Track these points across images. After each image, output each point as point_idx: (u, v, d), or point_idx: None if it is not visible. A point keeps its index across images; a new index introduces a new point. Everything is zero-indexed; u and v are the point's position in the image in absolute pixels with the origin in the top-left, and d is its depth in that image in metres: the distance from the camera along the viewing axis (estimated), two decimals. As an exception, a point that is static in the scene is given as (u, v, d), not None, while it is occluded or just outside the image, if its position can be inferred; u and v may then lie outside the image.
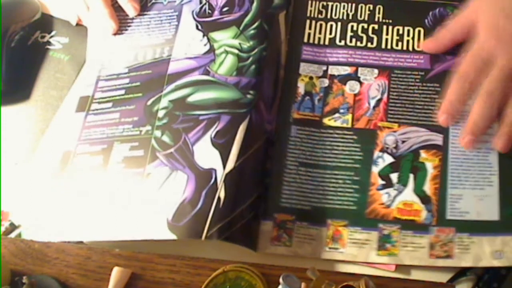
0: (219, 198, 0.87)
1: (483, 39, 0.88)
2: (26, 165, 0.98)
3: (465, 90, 0.89)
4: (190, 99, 0.97)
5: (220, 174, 0.89)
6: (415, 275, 0.87)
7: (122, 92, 1.01)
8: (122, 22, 1.09)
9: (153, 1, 1.11)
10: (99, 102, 1.01)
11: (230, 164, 0.90)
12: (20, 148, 1.00)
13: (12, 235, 0.92)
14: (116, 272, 0.86)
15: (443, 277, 0.86)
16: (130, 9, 1.08)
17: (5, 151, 1.00)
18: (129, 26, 1.09)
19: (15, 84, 1.06)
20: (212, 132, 0.93)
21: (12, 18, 1.09)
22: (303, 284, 0.79)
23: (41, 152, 0.99)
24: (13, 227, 0.93)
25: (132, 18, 1.09)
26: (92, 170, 0.95)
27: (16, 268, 0.88)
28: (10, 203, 0.95)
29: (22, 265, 0.88)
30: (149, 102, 0.99)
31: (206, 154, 0.92)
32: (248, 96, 0.95)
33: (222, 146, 0.92)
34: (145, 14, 1.09)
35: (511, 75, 0.85)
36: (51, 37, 1.10)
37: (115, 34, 1.08)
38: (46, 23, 1.12)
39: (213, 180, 0.89)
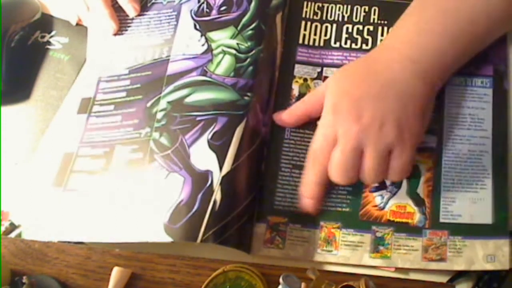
0: (215, 201, 0.87)
1: (324, 116, 0.89)
2: (26, 165, 0.99)
3: (318, 170, 0.89)
4: (188, 100, 0.97)
5: (217, 177, 0.89)
6: (415, 275, 0.87)
7: (124, 94, 1.01)
8: (122, 22, 1.09)
9: (153, 1, 1.10)
10: (100, 104, 1.01)
11: (227, 166, 0.90)
12: (20, 148, 1.00)
13: (12, 235, 0.92)
14: (116, 272, 0.86)
15: (444, 277, 0.86)
16: (131, 10, 1.09)
17: (5, 151, 1.00)
18: (129, 26, 1.09)
19: (15, 84, 1.06)
20: (209, 133, 0.93)
21: (12, 18, 1.09)
22: (303, 284, 0.79)
23: (41, 152, 0.99)
24: (13, 227, 0.93)
25: (132, 18, 1.09)
26: (93, 173, 0.95)
27: (16, 268, 0.88)
28: (10, 203, 0.95)
29: (22, 265, 0.89)
30: (148, 104, 0.99)
31: (202, 156, 0.91)
32: (246, 98, 0.95)
33: (219, 148, 0.92)
34: (145, 14, 1.09)
35: (352, 150, 0.85)
36: (51, 37, 1.10)
37: (115, 34, 1.08)
38: (46, 23, 1.12)
39: (209, 182, 0.89)
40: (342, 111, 0.86)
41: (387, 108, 0.85)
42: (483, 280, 0.86)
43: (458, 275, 0.87)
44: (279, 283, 0.79)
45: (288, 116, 0.96)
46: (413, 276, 0.87)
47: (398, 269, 0.87)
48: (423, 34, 0.90)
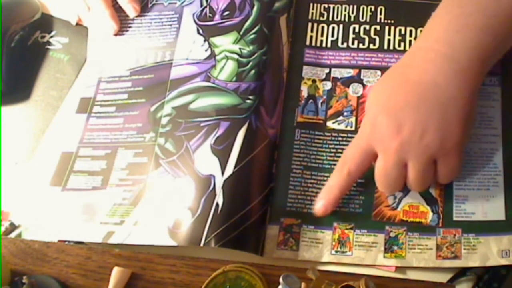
0: (217, 204, 0.87)
1: (363, 127, 0.88)
2: (26, 165, 0.98)
3: (342, 177, 0.88)
4: (192, 106, 0.97)
5: (219, 180, 0.89)
6: (416, 275, 0.86)
7: (125, 96, 1.01)
8: (122, 23, 1.08)
9: (154, 2, 1.10)
10: (101, 105, 1.01)
11: (229, 170, 0.90)
12: (20, 148, 1.00)
13: (12, 235, 0.92)
14: (116, 272, 0.85)
15: (444, 277, 0.85)
16: (130, 10, 1.08)
17: (5, 151, 0.99)
18: (129, 27, 1.08)
19: (15, 84, 1.05)
20: (211, 139, 0.93)
21: (12, 18, 1.09)
22: (303, 284, 0.79)
23: (41, 152, 0.99)
24: (13, 227, 0.92)
25: (133, 19, 1.09)
26: (94, 174, 0.95)
27: (16, 268, 0.87)
28: (10, 203, 0.94)
29: (22, 265, 0.88)
30: (152, 108, 0.99)
31: (205, 161, 0.92)
32: (248, 101, 0.95)
33: (221, 152, 0.92)
34: (146, 15, 1.09)
35: (394, 165, 0.84)
36: (51, 37, 1.10)
37: (116, 34, 1.07)
38: (46, 23, 1.12)
39: (212, 186, 0.89)
40: (380, 126, 0.84)
41: (426, 117, 0.82)
42: (483, 280, 0.85)
43: (459, 275, 0.86)
44: (279, 283, 0.78)
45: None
46: (416, 273, 0.86)
47: (399, 268, 0.86)
48: (463, 31, 0.86)
